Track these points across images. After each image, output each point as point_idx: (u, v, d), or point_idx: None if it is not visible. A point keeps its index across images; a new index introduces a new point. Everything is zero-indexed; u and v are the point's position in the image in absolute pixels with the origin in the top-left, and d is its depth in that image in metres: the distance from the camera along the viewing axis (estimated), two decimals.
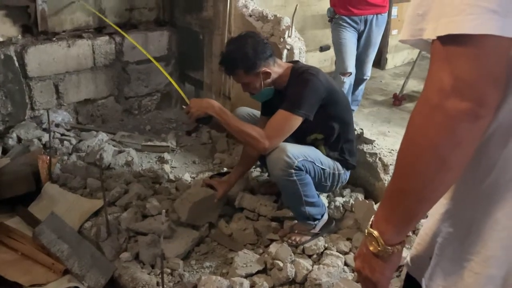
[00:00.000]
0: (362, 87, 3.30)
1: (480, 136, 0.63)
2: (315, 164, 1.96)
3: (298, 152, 1.89)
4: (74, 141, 2.84)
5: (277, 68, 2.01)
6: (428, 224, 0.81)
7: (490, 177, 0.68)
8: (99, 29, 3.27)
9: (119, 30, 2.31)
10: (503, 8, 0.57)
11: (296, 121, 1.88)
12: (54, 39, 3.01)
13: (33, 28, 2.99)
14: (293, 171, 1.86)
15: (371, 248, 0.79)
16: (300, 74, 1.96)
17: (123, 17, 3.39)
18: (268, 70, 1.97)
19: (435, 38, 0.62)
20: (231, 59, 1.97)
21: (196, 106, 1.95)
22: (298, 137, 2.00)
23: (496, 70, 0.59)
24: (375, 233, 0.77)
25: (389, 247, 0.77)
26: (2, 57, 2.80)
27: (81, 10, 3.18)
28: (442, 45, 0.61)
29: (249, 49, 1.92)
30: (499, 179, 0.68)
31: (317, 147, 2.06)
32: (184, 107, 2.04)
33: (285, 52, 2.59)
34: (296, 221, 2.09)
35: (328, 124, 2.02)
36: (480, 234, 0.70)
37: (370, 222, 0.80)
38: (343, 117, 2.05)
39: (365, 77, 3.23)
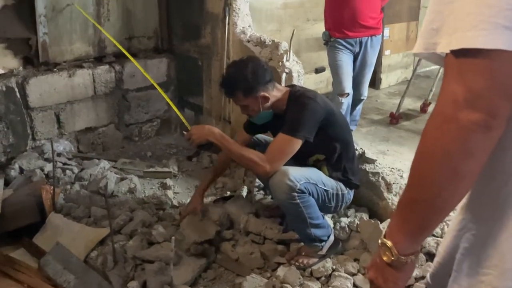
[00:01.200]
0: (359, 107, 3.35)
1: (491, 147, 0.65)
2: (317, 186, 1.97)
3: (300, 175, 1.90)
4: (76, 170, 2.84)
5: (275, 93, 2.05)
6: (445, 241, 0.82)
7: (505, 190, 0.70)
8: (99, 58, 3.32)
9: (126, 52, 2.38)
10: None
11: (296, 144, 1.91)
12: (55, 69, 3.05)
13: (34, 59, 3.03)
14: (295, 194, 1.87)
15: (384, 258, 0.79)
16: (298, 98, 2.00)
17: (123, 46, 3.43)
18: (267, 95, 2.01)
19: (449, 52, 0.64)
20: (231, 81, 2.02)
21: (197, 133, 1.98)
22: (300, 159, 2.02)
23: (508, 83, 0.62)
24: (389, 243, 0.78)
25: (403, 257, 0.77)
26: (4, 88, 2.82)
27: (81, 41, 3.23)
28: (456, 58, 0.64)
29: (248, 73, 1.97)
30: None
31: (319, 168, 2.08)
32: (184, 132, 2.07)
33: (284, 75, 2.64)
34: (302, 244, 2.09)
35: (329, 145, 2.05)
36: (496, 247, 0.71)
37: (384, 232, 0.81)
38: (343, 137, 2.08)
39: (362, 97, 3.29)
